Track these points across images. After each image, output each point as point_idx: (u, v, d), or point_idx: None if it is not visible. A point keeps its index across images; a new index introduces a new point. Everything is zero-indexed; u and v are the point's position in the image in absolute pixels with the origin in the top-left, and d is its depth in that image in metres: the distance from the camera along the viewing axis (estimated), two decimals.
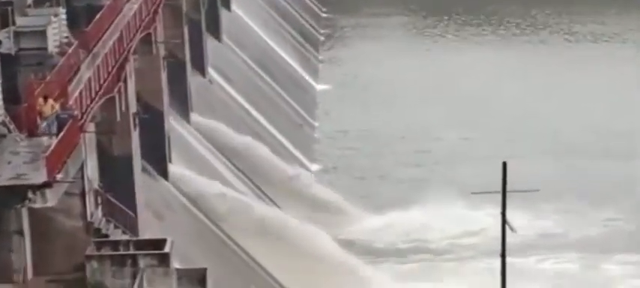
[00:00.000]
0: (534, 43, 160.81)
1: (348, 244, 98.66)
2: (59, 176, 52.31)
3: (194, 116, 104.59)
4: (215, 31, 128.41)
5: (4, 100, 58.18)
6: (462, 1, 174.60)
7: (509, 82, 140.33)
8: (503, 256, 50.84)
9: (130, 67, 75.87)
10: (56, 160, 52.33)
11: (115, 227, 65.25)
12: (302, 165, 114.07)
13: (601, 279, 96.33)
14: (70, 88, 61.10)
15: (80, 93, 61.66)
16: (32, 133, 56.69)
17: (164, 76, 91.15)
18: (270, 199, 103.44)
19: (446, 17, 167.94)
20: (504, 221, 50.11)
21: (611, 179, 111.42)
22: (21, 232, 55.40)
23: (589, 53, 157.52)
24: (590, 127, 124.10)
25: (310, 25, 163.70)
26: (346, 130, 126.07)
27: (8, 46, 64.11)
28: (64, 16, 69.91)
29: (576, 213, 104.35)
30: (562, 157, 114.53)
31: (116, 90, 70.81)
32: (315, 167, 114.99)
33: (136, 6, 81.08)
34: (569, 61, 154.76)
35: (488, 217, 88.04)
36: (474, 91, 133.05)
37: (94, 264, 55.32)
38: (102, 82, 66.96)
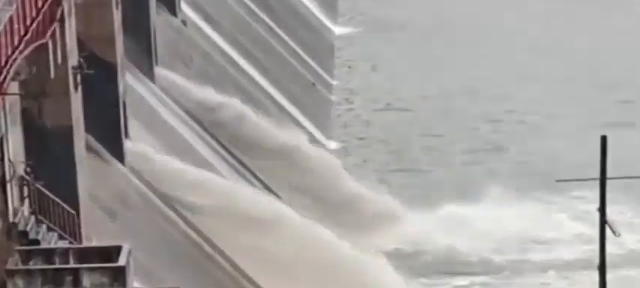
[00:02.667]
0: None
1: (378, 251, 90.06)
2: None
3: (160, 71, 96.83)
4: None
5: None
6: None
7: (579, 22, 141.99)
8: (602, 267, 45.10)
9: (69, 3, 65.08)
10: None
11: (49, 230, 58.86)
12: (314, 140, 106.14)
13: None
14: None
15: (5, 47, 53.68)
16: None
17: (117, 15, 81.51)
18: (265, 186, 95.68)
19: None
20: (604, 221, 44.99)
21: None
22: None
23: None
24: None
25: None
26: (374, 90, 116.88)
27: None
28: None
29: None
30: None
31: (49, 35, 60.73)
32: (332, 145, 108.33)
33: None
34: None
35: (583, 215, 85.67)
36: (541, 33, 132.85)
37: (19, 282, 51.89)
38: (28, 23, 58.15)
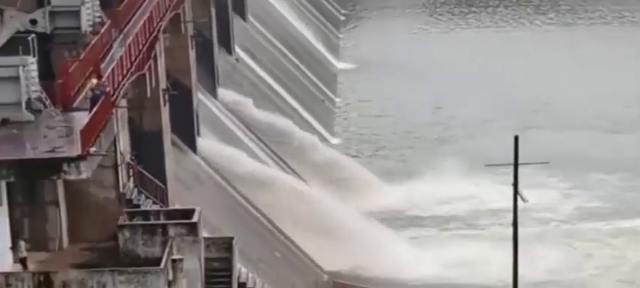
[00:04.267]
0: (526, 25, 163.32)
1: (363, 212, 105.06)
2: (93, 150, 55.45)
3: (221, 92, 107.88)
4: (241, 11, 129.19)
5: (40, 76, 61.80)
6: None
7: (509, 59, 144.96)
8: (515, 225, 64.37)
9: (159, 46, 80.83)
10: (90, 134, 55.54)
11: (146, 198, 69.89)
12: (323, 138, 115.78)
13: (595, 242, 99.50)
14: (102, 66, 65.16)
15: (112, 70, 65.18)
16: (67, 108, 60.76)
17: (192, 54, 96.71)
18: (292, 170, 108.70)
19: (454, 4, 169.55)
20: (516, 192, 62.94)
21: (622, 151, 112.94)
22: (56, 203, 60.31)
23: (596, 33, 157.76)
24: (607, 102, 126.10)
25: (331, 4, 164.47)
26: (365, 107, 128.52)
27: (43, 25, 67.91)
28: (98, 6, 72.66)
29: (583, 183, 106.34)
30: (574, 131, 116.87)
31: (146, 67, 75.36)
32: (335, 141, 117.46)
33: None
34: (563, 41, 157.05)
35: (501, 189, 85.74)
36: (483, 68, 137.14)
37: (126, 233, 58.60)
38: (133, 59, 70.52)
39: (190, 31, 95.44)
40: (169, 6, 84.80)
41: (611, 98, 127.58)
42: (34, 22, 67.04)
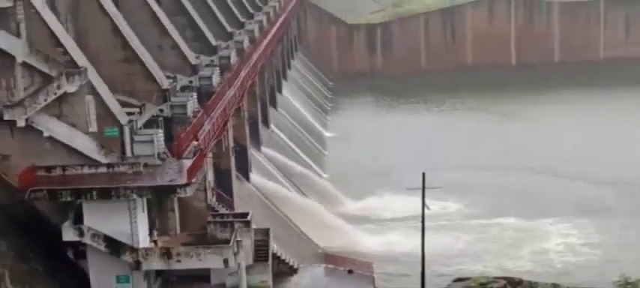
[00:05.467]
0: (451, 112, 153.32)
1: (341, 216, 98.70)
2: (193, 180, 55.99)
3: (263, 149, 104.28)
4: (273, 104, 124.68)
5: (165, 140, 60.77)
6: (408, 90, 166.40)
7: (430, 131, 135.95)
8: (422, 221, 64.93)
9: (229, 123, 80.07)
10: (192, 172, 55.98)
11: (222, 207, 69.15)
12: (318, 174, 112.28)
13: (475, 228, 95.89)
14: (199, 135, 64.89)
15: (204, 137, 65.92)
16: (179, 157, 59.65)
17: (247, 128, 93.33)
18: (302, 193, 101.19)
19: (408, 98, 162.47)
20: (423, 203, 64.19)
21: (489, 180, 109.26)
22: (173, 210, 58.80)
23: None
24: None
25: (323, 98, 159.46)
26: (344, 158, 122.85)
27: (167, 113, 67.69)
28: (195, 97, 71.83)
29: (465, 199, 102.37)
30: (466, 171, 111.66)
31: (222, 135, 75.91)
32: (325, 175, 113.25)
33: (232, 92, 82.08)
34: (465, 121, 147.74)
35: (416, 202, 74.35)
36: (419, 138, 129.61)
37: (211, 226, 57.11)
38: (215, 131, 71.01)
39: (246, 115, 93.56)
40: (235, 102, 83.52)
41: (482, 155, 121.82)
42: (161, 110, 67.76)
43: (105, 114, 58.31)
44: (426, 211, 66.67)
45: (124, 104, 62.51)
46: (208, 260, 55.05)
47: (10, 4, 56.73)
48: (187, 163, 57.82)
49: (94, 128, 57.92)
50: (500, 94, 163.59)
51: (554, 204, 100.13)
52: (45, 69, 57.37)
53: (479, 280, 63.55)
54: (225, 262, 54.59)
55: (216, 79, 79.57)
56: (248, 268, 56.71)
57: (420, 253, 67.75)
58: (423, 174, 66.00)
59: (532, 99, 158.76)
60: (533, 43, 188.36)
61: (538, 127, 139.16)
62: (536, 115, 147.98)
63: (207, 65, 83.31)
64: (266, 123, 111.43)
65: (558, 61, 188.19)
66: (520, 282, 66.83)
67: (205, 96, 74.75)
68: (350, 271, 73.31)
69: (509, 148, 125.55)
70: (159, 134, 60.45)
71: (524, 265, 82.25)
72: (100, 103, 58.28)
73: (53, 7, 63.24)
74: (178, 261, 54.48)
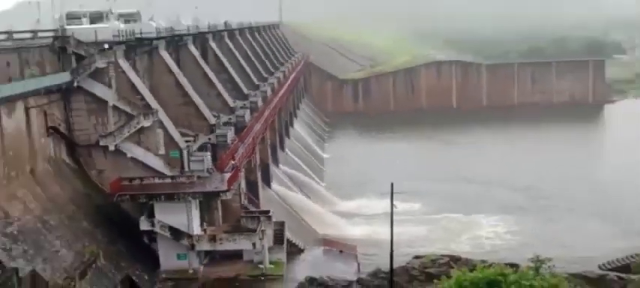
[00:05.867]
0: (411, 140, 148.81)
1: (335, 213, 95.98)
2: (231, 188, 55.82)
3: (281, 166, 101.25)
4: (287, 135, 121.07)
5: (212, 159, 61.04)
6: (382, 125, 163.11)
7: (404, 154, 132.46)
8: (391, 216, 55.75)
9: (257, 148, 76.93)
10: (231, 182, 55.96)
11: (251, 206, 67.89)
12: (318, 183, 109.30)
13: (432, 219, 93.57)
14: (236, 155, 64.42)
15: (239, 157, 64.84)
16: (222, 171, 59.01)
17: (270, 151, 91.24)
18: (308, 196, 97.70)
19: (382, 131, 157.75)
20: (392, 204, 54.97)
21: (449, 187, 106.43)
22: (217, 208, 57.73)
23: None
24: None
25: (322, 131, 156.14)
26: (337, 171, 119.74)
27: (213, 140, 66.87)
28: (233, 129, 71.38)
29: (421, 201, 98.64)
30: (423, 181, 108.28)
31: (252, 156, 73.17)
32: (323, 184, 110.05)
33: (258, 126, 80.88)
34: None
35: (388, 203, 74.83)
36: (389, 158, 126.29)
37: (244, 219, 57.20)
38: (247, 153, 69.12)
39: (268, 142, 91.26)
40: (260, 133, 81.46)
41: (433, 169, 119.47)
42: (209, 139, 67.15)
43: (170, 141, 59.13)
44: (394, 209, 63.42)
45: (183, 135, 63.05)
46: (241, 243, 54.79)
47: (105, 66, 57.28)
48: (227, 175, 57.51)
49: (162, 151, 58.86)
50: (445, 127, 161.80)
51: (484, 204, 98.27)
52: (128, 110, 58.18)
53: (430, 257, 65.10)
54: (254, 244, 54.48)
55: (247, 117, 79.05)
56: (269, 249, 55.91)
57: (388, 238, 67.29)
58: (392, 183, 62.38)
59: (467, 131, 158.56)
60: (468, 93, 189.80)
61: (471, 150, 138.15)
62: (470, 142, 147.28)
63: (241, 107, 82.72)
64: (282, 147, 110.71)
65: (485, 105, 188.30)
66: (459, 258, 69.15)
67: (240, 129, 74.06)
68: (340, 251, 72.62)
69: (451, 165, 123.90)
70: (207, 156, 60.85)
71: (464, 247, 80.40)
72: (167, 134, 59.18)
73: (134, 67, 64.38)
74: (221, 243, 54.28)
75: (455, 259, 64.44)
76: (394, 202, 63.56)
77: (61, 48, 57.40)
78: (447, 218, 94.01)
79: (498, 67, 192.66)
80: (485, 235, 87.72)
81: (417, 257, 65.63)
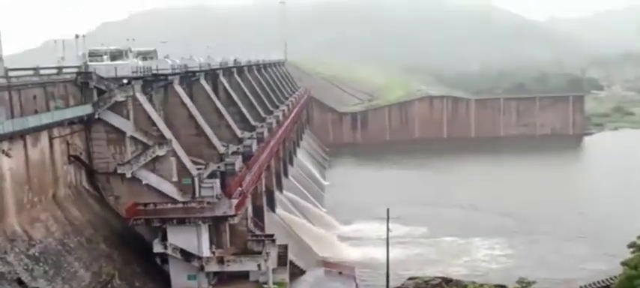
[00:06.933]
0: (405, 168, 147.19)
1: (335, 236, 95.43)
2: (239, 212, 55.19)
3: (285, 192, 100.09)
4: (291, 163, 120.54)
5: (221, 186, 59.66)
6: (378, 155, 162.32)
7: (399, 182, 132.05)
8: (387, 239, 64.86)
9: (262, 176, 76.89)
10: (238, 207, 55.58)
11: (257, 230, 67.57)
12: (319, 208, 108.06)
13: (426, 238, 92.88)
14: (243, 182, 63.81)
15: (247, 184, 64.31)
16: (230, 197, 57.97)
17: (274, 178, 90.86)
18: (310, 221, 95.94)
19: (379, 160, 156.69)
20: (387, 227, 64.76)
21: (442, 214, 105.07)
22: (225, 231, 57.76)
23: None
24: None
25: (323, 160, 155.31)
26: (336, 197, 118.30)
27: (222, 168, 65.02)
28: (241, 158, 69.78)
29: (415, 225, 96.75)
30: (415, 206, 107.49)
31: (258, 183, 73.36)
32: (324, 209, 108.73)
33: (264, 155, 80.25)
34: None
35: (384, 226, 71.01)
36: (385, 185, 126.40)
37: (250, 242, 57.27)
38: (254, 180, 68.71)
39: (273, 170, 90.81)
40: (266, 162, 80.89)
41: (426, 195, 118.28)
42: (219, 167, 65.99)
43: (182, 169, 58.13)
44: (390, 232, 67.28)
45: (194, 163, 62.13)
46: (248, 265, 54.34)
47: (123, 99, 57.05)
48: (235, 201, 56.91)
49: (175, 178, 57.71)
50: (436, 156, 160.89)
51: (477, 228, 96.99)
52: (145, 140, 57.50)
53: (424, 278, 68.01)
54: (259, 266, 54.04)
55: (254, 147, 78.47)
56: (274, 270, 55.08)
57: (385, 260, 68.03)
58: (387, 209, 67.20)
59: (457, 160, 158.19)
60: (457, 124, 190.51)
61: (461, 177, 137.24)
62: (460, 170, 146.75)
63: (249, 138, 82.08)
64: (286, 175, 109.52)
65: (474, 136, 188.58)
66: (450, 280, 68.81)
67: (247, 158, 73.53)
68: (340, 273, 71.93)
69: (442, 191, 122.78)
70: (217, 183, 59.85)
71: (461, 270, 79.11)
72: (180, 162, 58.23)
73: (151, 101, 63.88)
74: (228, 265, 53.75)
75: (447, 281, 66.97)
76: (390, 226, 66.86)
77: (84, 83, 57.33)
78: (444, 241, 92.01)
79: (486, 102, 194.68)
80: (482, 258, 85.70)
81: (411, 279, 68.69)
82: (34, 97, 49.88)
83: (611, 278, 61.13)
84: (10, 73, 46.24)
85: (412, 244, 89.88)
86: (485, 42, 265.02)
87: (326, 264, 74.86)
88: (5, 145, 42.92)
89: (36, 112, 49.15)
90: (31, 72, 50.62)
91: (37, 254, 43.38)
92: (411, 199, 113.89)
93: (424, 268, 79.01)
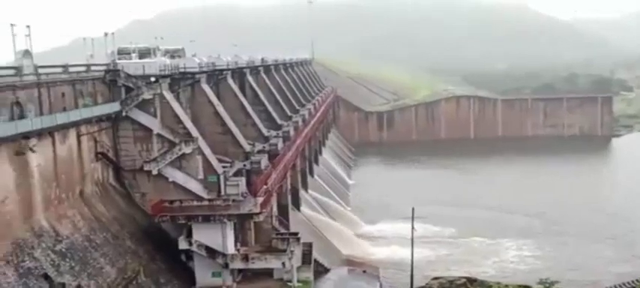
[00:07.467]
0: (431, 168, 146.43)
1: (359, 235, 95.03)
2: (264, 210, 54.75)
3: (310, 191, 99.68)
4: (316, 162, 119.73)
5: (246, 185, 59.56)
6: (404, 154, 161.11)
7: (424, 181, 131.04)
8: (412, 239, 64.12)
9: (288, 174, 76.81)
10: (263, 205, 55.15)
11: (282, 228, 67.43)
12: (344, 207, 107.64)
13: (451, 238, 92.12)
14: (268, 181, 62.67)
15: (272, 182, 63.51)
16: (255, 196, 57.66)
17: (300, 177, 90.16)
18: (334, 219, 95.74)
19: (404, 159, 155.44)
20: (412, 227, 64.00)
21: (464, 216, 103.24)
22: (250, 229, 57.60)
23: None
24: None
25: (348, 159, 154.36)
26: (361, 196, 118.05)
27: (248, 166, 65.70)
28: (266, 157, 70.15)
29: (440, 225, 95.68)
30: (441, 206, 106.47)
31: (283, 181, 73.10)
32: (349, 208, 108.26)
33: (290, 154, 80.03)
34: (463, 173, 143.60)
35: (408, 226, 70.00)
36: (410, 184, 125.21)
37: (275, 240, 56.59)
38: (279, 179, 68.54)
39: (298, 169, 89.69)
40: (291, 161, 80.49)
41: (451, 196, 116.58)
42: (244, 165, 66.08)
43: (208, 167, 58.13)
44: (415, 232, 66.57)
45: (220, 161, 62.11)
46: (272, 262, 54.05)
47: (151, 97, 57.14)
48: (260, 199, 56.69)
49: (201, 176, 57.82)
50: (463, 156, 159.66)
51: (504, 229, 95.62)
52: (171, 138, 57.55)
53: (448, 278, 66.88)
54: (283, 264, 53.69)
55: (280, 145, 78.17)
56: (298, 268, 54.83)
57: (410, 259, 67.13)
58: (412, 208, 66.04)
59: (484, 160, 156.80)
60: (484, 124, 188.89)
61: (488, 178, 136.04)
62: (486, 170, 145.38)
63: (275, 137, 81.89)
64: (311, 174, 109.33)
65: (501, 135, 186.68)
66: (475, 280, 67.72)
67: (273, 156, 73.37)
68: (364, 271, 71.30)
69: (469, 191, 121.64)
70: (242, 181, 59.85)
71: (488, 271, 78.08)
72: (205, 160, 58.24)
73: (178, 99, 63.85)
74: (253, 262, 53.56)
75: (471, 281, 65.75)
76: (415, 226, 66.20)
77: (112, 80, 57.47)
78: (472, 242, 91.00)
79: (513, 102, 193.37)
80: (510, 259, 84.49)
81: (435, 278, 67.67)
82: (63, 94, 49.98)
83: (637, 280, 60.75)
84: (40, 71, 46.51)
85: (439, 245, 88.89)
86: (512, 41, 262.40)
87: (350, 263, 74.36)
88: (33, 142, 43.08)
89: (64, 109, 49.39)
90: (60, 69, 50.75)
91: (63, 250, 43.54)
92: (437, 199, 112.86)
93: (451, 269, 78.21)
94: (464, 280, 68.49)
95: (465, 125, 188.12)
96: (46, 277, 39.47)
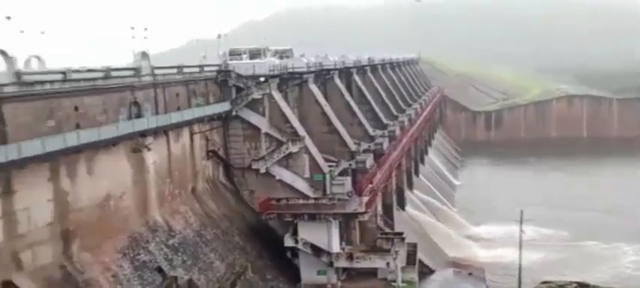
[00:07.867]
0: (540, 169, 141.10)
1: (465, 236, 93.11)
2: (369, 210, 54.68)
3: (415, 191, 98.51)
4: (422, 162, 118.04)
5: (352, 184, 59.70)
6: (512, 155, 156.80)
7: (533, 183, 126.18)
8: (520, 242, 61.86)
9: (393, 174, 76.37)
10: (368, 204, 55.45)
11: (387, 228, 66.36)
12: (450, 208, 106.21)
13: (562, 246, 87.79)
14: (374, 180, 62.97)
15: (377, 182, 63.37)
16: (361, 195, 57.84)
17: (405, 176, 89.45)
18: (440, 220, 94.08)
19: (513, 160, 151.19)
20: (521, 229, 62.05)
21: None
22: (355, 228, 57.14)
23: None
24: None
25: (454, 159, 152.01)
26: (468, 197, 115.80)
27: (354, 166, 65.39)
28: (372, 156, 69.41)
29: (550, 228, 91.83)
30: (551, 209, 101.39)
31: (388, 181, 72.42)
32: (454, 209, 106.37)
33: (395, 153, 79.39)
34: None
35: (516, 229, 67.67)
36: (518, 186, 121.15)
37: (379, 240, 55.98)
38: (384, 179, 68.17)
39: (404, 168, 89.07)
40: (397, 160, 79.78)
41: (562, 198, 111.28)
42: (350, 165, 65.92)
43: (314, 166, 58.90)
44: (524, 235, 64.27)
45: (326, 160, 62.70)
46: (376, 262, 53.64)
47: (260, 97, 58.14)
48: (365, 198, 56.62)
49: (307, 175, 58.72)
50: (575, 156, 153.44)
51: (622, 233, 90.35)
52: (279, 137, 58.58)
53: (558, 282, 64.87)
54: (388, 264, 53.20)
55: (385, 145, 77.57)
56: (402, 268, 54.25)
57: (518, 263, 65.07)
58: (521, 210, 63.87)
59: (597, 160, 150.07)
60: (598, 123, 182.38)
61: (601, 179, 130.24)
62: (600, 171, 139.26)
63: (380, 136, 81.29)
64: (417, 173, 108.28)
65: (616, 135, 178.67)
66: (587, 285, 64.88)
67: (378, 156, 72.86)
68: (470, 274, 69.88)
69: (582, 193, 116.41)
70: (348, 180, 60.09)
71: (603, 276, 73.42)
72: (312, 159, 59.07)
73: (286, 99, 64.87)
74: (357, 262, 53.27)
75: (583, 286, 63.77)
76: (524, 229, 63.99)
77: (223, 81, 58.93)
78: (581, 246, 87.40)
79: (630, 101, 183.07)
80: (627, 265, 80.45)
81: (544, 282, 65.21)
82: (177, 94, 51.61)
83: None
84: (156, 71, 48.08)
85: (550, 248, 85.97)
86: (629, 39, 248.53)
87: (455, 264, 73.15)
88: (150, 140, 44.52)
89: (178, 108, 50.80)
90: (174, 70, 52.34)
91: (176, 244, 44.81)
92: (547, 200, 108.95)
93: (564, 274, 75.18)
94: (575, 285, 65.31)
95: (577, 124, 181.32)
96: (160, 270, 40.71)
